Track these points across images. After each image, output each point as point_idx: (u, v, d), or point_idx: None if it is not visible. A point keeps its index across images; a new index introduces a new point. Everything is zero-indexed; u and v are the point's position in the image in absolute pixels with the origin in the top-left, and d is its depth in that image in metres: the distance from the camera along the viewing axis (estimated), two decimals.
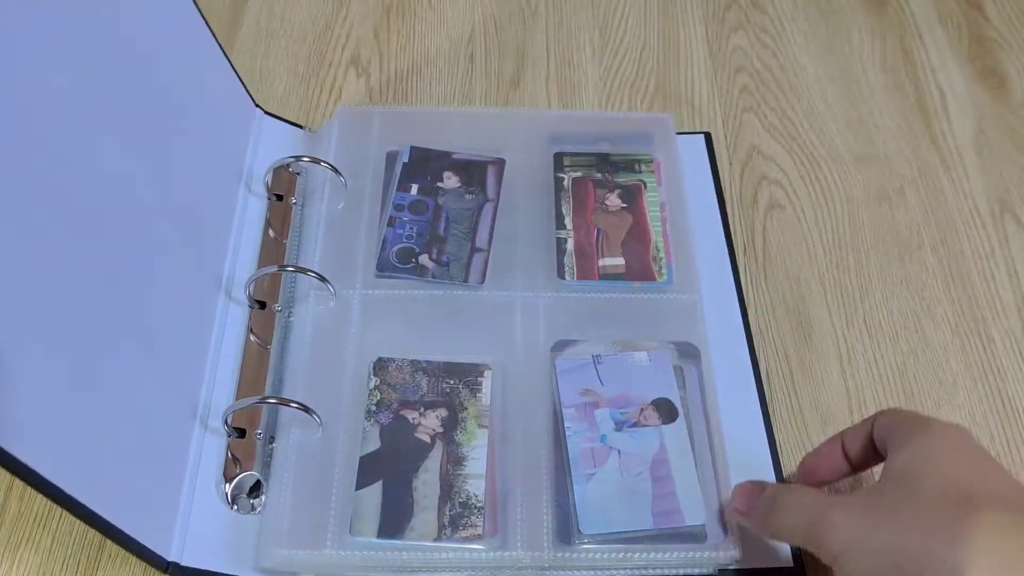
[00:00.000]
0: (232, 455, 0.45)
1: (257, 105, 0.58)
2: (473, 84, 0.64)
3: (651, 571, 0.43)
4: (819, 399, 0.50)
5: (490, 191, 0.55)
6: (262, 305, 0.50)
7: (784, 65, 0.65)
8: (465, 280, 0.51)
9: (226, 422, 0.45)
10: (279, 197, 0.54)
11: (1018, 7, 0.68)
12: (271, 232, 0.53)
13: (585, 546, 0.42)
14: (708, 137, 0.60)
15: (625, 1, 0.69)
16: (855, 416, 0.49)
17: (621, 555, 0.42)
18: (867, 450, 0.40)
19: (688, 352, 0.49)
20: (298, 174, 0.56)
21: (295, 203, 0.55)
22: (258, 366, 0.48)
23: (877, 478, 0.37)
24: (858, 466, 0.41)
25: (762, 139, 0.61)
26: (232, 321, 0.49)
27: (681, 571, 0.43)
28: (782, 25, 0.68)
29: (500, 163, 0.56)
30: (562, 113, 0.62)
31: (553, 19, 0.68)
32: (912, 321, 0.53)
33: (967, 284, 0.54)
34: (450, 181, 0.55)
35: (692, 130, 0.61)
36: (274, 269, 0.50)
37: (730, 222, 0.56)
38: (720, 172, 0.59)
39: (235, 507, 0.44)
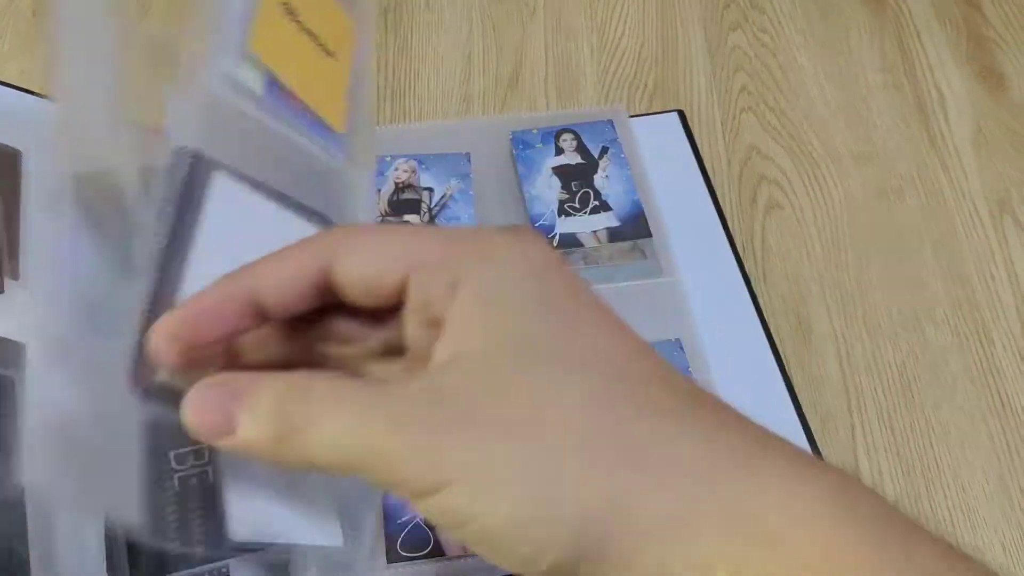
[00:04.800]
0: None
1: None
2: (471, 84, 0.64)
3: None
4: (818, 399, 0.50)
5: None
6: None
7: (783, 64, 0.65)
8: None
9: None
10: None
11: (1016, 7, 0.68)
12: None
13: None
14: (682, 114, 0.61)
15: (623, 1, 0.69)
16: (855, 416, 0.49)
17: None
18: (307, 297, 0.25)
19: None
20: None
21: None
22: None
23: None
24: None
25: (761, 139, 0.61)
26: None
27: None
28: (781, 24, 0.68)
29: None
30: (515, 116, 0.62)
31: (551, 19, 0.68)
32: (911, 321, 0.53)
33: (966, 284, 0.54)
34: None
35: (688, 126, 0.61)
36: None
37: (729, 222, 0.56)
38: (701, 150, 0.59)
39: None
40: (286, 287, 0.25)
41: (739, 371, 0.50)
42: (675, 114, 0.61)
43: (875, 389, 0.50)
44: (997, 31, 0.67)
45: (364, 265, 0.24)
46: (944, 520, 0.46)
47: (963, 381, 0.51)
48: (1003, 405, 0.50)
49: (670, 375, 0.23)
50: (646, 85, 0.64)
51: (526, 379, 0.22)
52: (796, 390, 0.50)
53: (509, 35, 0.67)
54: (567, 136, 0.56)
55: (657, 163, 0.55)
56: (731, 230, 0.56)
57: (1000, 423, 0.49)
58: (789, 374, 0.50)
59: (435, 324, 0.24)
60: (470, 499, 0.21)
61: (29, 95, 0.57)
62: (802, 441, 0.47)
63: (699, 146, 0.60)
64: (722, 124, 0.62)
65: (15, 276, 0.44)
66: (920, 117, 0.62)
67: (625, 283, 0.51)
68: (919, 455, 0.48)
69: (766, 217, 0.57)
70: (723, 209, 0.57)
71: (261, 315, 0.25)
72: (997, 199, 0.58)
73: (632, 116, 0.59)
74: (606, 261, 0.51)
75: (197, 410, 0.24)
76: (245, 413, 0.23)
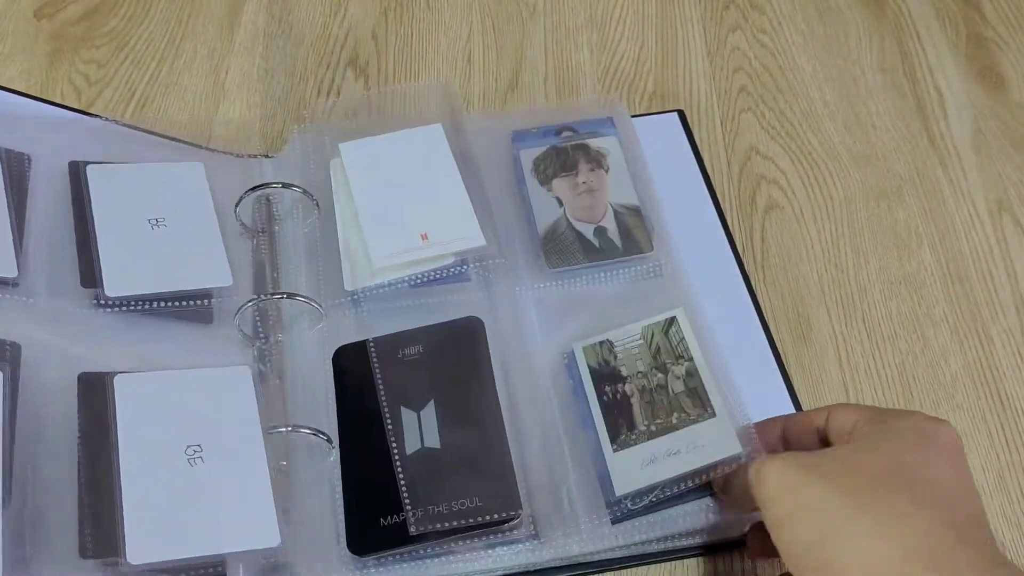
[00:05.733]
0: None
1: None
2: (471, 85, 0.64)
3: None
4: (818, 399, 0.50)
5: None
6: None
7: (782, 65, 0.65)
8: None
9: None
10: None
11: (1015, 7, 0.68)
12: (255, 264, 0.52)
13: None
14: (682, 114, 0.61)
15: (623, 1, 0.69)
16: None
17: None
18: (810, 438, 0.39)
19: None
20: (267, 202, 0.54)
21: (262, 231, 0.53)
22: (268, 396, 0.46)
23: None
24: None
25: (760, 139, 0.61)
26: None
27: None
28: (780, 25, 0.68)
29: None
30: (512, 114, 0.61)
31: (551, 19, 0.68)
32: (911, 321, 0.53)
33: (965, 284, 0.55)
34: None
35: (688, 126, 0.61)
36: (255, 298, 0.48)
37: (729, 222, 0.56)
38: (701, 150, 0.59)
39: None
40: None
41: (739, 371, 0.50)
42: (675, 114, 0.61)
43: (875, 388, 0.50)
44: (996, 31, 0.67)
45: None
46: None
47: (963, 380, 0.51)
48: (1002, 404, 0.50)
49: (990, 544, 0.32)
50: (646, 86, 0.64)
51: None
52: (796, 390, 0.50)
53: (509, 35, 0.67)
54: (568, 134, 0.56)
55: (657, 163, 0.55)
56: (731, 230, 0.56)
57: (999, 421, 0.49)
58: (789, 374, 0.50)
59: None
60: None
61: (32, 100, 0.57)
62: None
63: (699, 146, 0.60)
64: (722, 124, 0.62)
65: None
66: (919, 117, 0.62)
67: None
68: None
69: (766, 217, 0.57)
70: (723, 209, 0.57)
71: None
72: (996, 199, 0.58)
73: (632, 116, 0.59)
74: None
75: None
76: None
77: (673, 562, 0.44)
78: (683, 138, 0.60)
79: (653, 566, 0.44)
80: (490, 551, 0.42)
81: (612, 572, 0.44)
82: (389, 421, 0.45)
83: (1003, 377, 0.51)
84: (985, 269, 0.55)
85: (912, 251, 0.56)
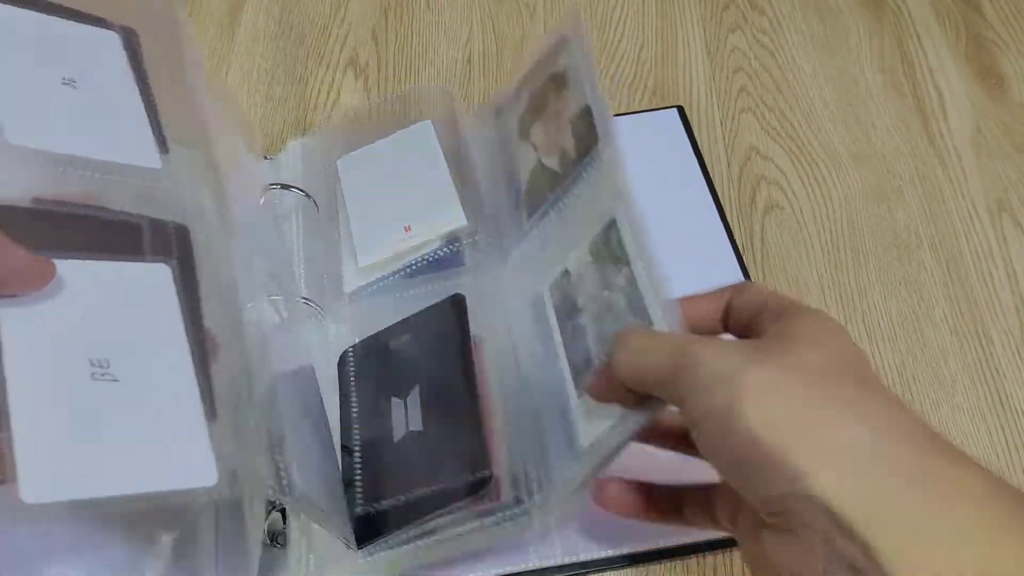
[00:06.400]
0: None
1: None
2: (471, 85, 0.64)
3: None
4: None
5: None
6: None
7: (782, 65, 0.65)
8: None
9: None
10: None
11: (1015, 7, 0.68)
12: None
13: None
14: (681, 110, 0.61)
15: (623, 2, 0.69)
16: None
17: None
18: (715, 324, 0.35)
19: None
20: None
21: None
22: None
23: None
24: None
25: (760, 139, 0.61)
26: None
27: None
28: (780, 25, 0.68)
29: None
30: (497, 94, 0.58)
31: (551, 19, 0.68)
32: (910, 321, 0.53)
33: (965, 284, 0.55)
34: None
35: (687, 122, 0.61)
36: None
37: (729, 222, 0.56)
38: (701, 150, 0.59)
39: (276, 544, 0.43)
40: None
41: None
42: (675, 110, 0.61)
43: None
44: (996, 32, 0.67)
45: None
46: None
47: (962, 380, 0.51)
48: (1002, 404, 0.50)
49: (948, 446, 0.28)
50: (646, 86, 0.64)
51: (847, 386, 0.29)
52: None
53: (509, 35, 0.67)
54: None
55: (657, 159, 0.55)
56: (731, 228, 0.56)
57: (999, 422, 0.49)
58: None
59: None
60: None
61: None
62: None
63: (699, 145, 0.60)
64: (721, 125, 0.62)
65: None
66: (919, 118, 0.62)
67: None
68: None
69: (765, 218, 0.57)
70: (723, 209, 0.57)
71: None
72: (996, 199, 0.58)
73: (631, 112, 0.59)
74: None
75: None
76: None
77: (674, 561, 0.44)
78: (683, 135, 0.60)
79: (653, 566, 0.44)
80: (476, 523, 0.40)
81: (613, 571, 0.44)
82: (380, 413, 0.45)
83: (1003, 378, 0.51)
84: (985, 269, 0.55)
85: (912, 251, 0.56)
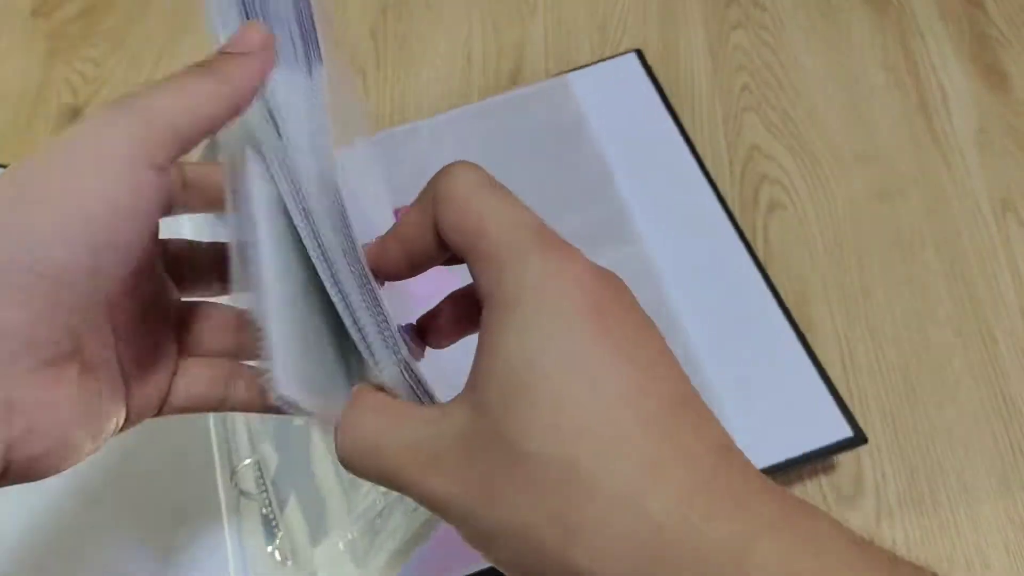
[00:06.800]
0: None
1: None
2: (471, 84, 0.64)
3: None
4: None
5: None
6: None
7: (785, 63, 0.65)
8: None
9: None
10: None
11: (1019, 5, 0.68)
12: None
13: None
14: (640, 54, 0.60)
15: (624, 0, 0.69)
16: (857, 417, 0.49)
17: None
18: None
19: None
20: None
21: None
22: None
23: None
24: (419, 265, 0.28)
25: (763, 138, 0.61)
26: None
27: None
28: (782, 23, 0.67)
29: None
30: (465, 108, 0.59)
31: (552, 18, 0.68)
32: (914, 321, 0.53)
33: (969, 284, 0.54)
34: None
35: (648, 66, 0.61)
36: None
37: (688, 132, 0.56)
38: (702, 149, 0.58)
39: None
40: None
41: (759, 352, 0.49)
42: (633, 55, 0.60)
43: (878, 390, 0.50)
44: (1000, 29, 0.66)
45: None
46: (947, 521, 0.46)
47: (966, 381, 0.50)
48: (1006, 405, 0.50)
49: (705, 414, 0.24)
50: None
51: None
52: (816, 354, 0.50)
53: (509, 35, 0.67)
54: None
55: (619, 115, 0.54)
56: (691, 139, 0.56)
57: (1004, 423, 0.49)
58: (807, 339, 0.50)
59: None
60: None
61: None
62: None
63: (700, 145, 0.59)
64: (724, 123, 0.62)
65: None
66: (923, 116, 0.62)
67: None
68: (922, 456, 0.48)
69: (768, 217, 0.57)
70: (725, 205, 0.56)
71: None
72: (1000, 198, 0.58)
73: (577, 69, 0.58)
74: None
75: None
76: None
77: None
78: (647, 83, 0.59)
79: None
80: None
81: None
82: None
83: (1007, 378, 0.50)
84: (989, 269, 0.55)
85: (915, 251, 0.56)
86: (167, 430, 0.35)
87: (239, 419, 0.46)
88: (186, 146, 0.25)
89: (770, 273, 0.54)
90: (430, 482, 0.24)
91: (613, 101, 0.58)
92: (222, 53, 0.27)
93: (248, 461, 0.45)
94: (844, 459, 0.48)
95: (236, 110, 0.26)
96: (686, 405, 0.23)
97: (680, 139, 0.57)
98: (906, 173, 0.59)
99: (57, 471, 0.26)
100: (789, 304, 0.53)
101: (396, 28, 0.67)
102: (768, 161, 0.60)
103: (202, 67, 0.26)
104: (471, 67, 0.65)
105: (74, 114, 0.61)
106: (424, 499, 0.24)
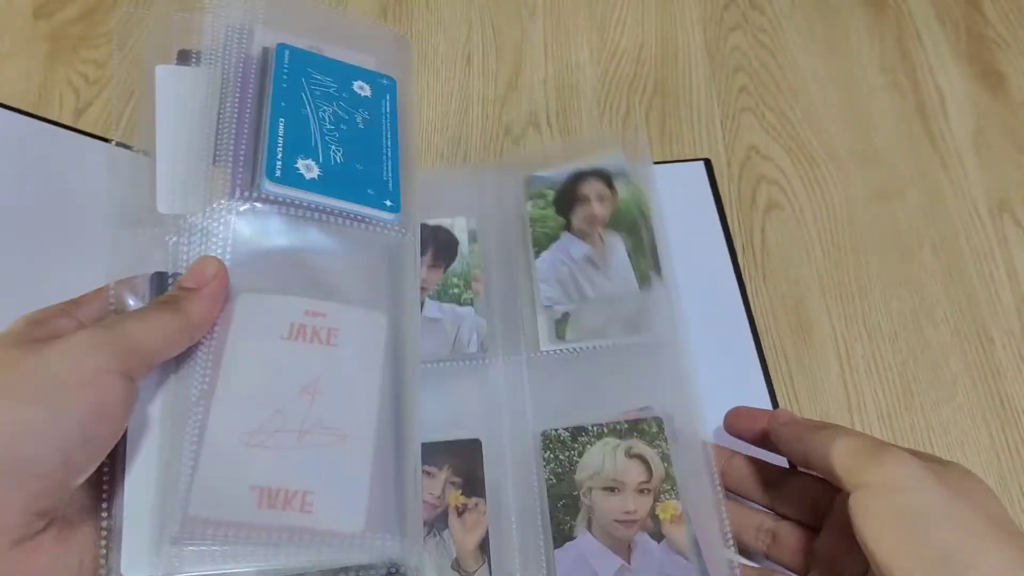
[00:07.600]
0: None
1: None
2: (470, 85, 0.64)
3: None
4: (818, 400, 0.50)
5: None
6: None
7: (782, 65, 0.65)
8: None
9: None
10: None
11: (1016, 7, 0.68)
12: None
13: None
14: (708, 164, 0.59)
15: (623, 1, 0.69)
16: (854, 417, 0.49)
17: None
18: (796, 456, 0.39)
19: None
20: None
21: None
22: None
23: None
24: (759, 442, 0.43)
25: (760, 139, 0.61)
26: None
27: None
28: (780, 25, 0.68)
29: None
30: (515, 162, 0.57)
31: (551, 20, 0.68)
32: (911, 321, 0.53)
33: (966, 284, 0.54)
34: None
35: (691, 157, 0.60)
36: None
37: (729, 222, 0.56)
38: (719, 182, 0.59)
39: None
40: None
41: (723, 367, 0.49)
42: (701, 163, 0.59)
43: (875, 389, 0.50)
44: (997, 31, 0.67)
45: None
46: None
47: (963, 381, 0.51)
48: (1003, 405, 0.50)
49: None
50: (646, 86, 0.64)
51: None
52: (795, 390, 0.50)
53: (509, 35, 0.67)
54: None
55: (680, 215, 0.53)
56: (731, 230, 0.56)
57: (1000, 423, 0.49)
58: (791, 373, 0.50)
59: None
60: None
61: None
62: None
63: (700, 146, 0.59)
64: (721, 124, 0.62)
65: None
66: (920, 117, 0.62)
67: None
68: None
69: (766, 217, 0.57)
70: (724, 208, 0.56)
71: None
72: (997, 199, 0.58)
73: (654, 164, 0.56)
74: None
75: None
76: None
77: None
78: (707, 191, 0.58)
79: None
80: None
81: None
82: None
83: (1004, 378, 0.51)
84: (986, 270, 0.55)
85: (913, 252, 0.56)
86: None
87: None
88: (152, 363, 0.32)
89: (767, 274, 0.54)
90: None
91: (675, 199, 0.56)
92: (182, 288, 0.34)
93: None
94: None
95: (192, 339, 0.34)
96: None
97: (727, 256, 0.55)
98: (903, 174, 0.59)
99: None
100: (787, 306, 0.53)
101: (396, 28, 0.67)
102: (766, 162, 0.60)
103: (165, 303, 0.33)
104: (471, 68, 0.65)
105: (76, 116, 0.61)
106: None
